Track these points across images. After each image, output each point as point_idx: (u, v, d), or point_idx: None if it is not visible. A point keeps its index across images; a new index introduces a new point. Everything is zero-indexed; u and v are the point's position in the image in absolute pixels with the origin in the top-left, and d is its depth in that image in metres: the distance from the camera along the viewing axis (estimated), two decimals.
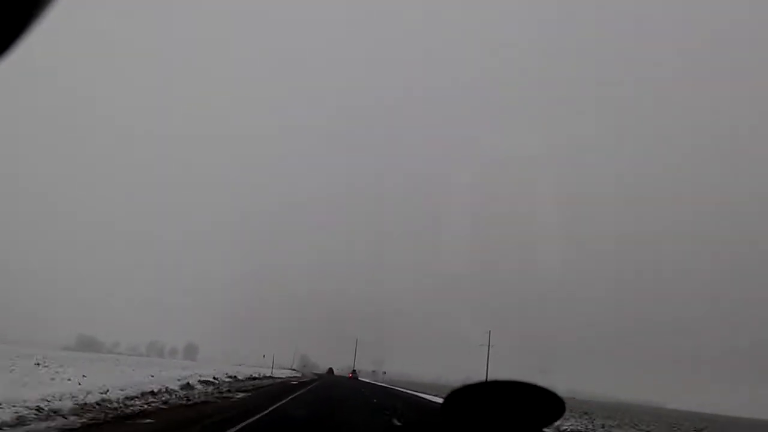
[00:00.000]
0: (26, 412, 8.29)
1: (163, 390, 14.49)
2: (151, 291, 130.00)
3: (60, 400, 9.79)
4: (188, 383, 17.64)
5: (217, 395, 16.85)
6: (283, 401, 17.42)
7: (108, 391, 11.93)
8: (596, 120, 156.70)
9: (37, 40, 1.02)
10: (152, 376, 17.67)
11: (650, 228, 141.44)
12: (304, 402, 18.89)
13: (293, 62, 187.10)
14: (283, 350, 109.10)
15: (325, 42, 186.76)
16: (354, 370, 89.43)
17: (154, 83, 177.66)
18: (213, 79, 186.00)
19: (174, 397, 14.19)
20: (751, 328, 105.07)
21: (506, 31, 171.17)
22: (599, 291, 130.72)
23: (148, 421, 9.51)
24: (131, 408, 10.77)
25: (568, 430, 18.35)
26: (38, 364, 18.77)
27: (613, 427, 21.51)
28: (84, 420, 8.65)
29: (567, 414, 21.63)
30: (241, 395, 18.23)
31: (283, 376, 45.00)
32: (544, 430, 1.66)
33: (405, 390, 47.56)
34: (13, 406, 8.37)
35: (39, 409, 8.66)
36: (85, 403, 10.06)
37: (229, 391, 19.43)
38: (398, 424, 14.53)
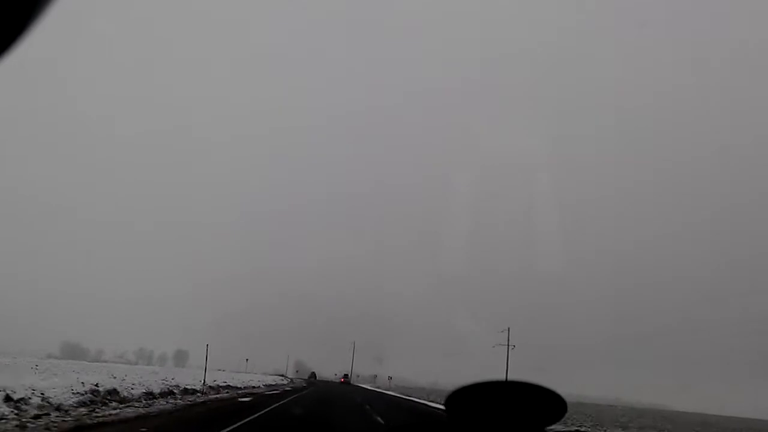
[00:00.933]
0: None
1: None
2: (139, 296, 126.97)
3: None
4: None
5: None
6: None
7: None
8: (596, 120, 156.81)
9: (37, 40, 1.02)
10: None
11: (650, 228, 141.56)
12: None
13: (293, 63, 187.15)
14: (278, 355, 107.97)
15: (325, 43, 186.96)
16: (345, 375, 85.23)
17: (151, 83, 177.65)
18: (212, 79, 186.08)
19: None
20: (756, 326, 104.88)
21: (506, 30, 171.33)
22: (599, 290, 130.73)
23: None
24: None
25: None
26: None
27: None
28: None
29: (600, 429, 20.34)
30: None
31: (259, 384, 35.02)
32: (546, 429, 1.66)
33: (426, 402, 33.03)
34: None
35: None
36: None
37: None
38: None
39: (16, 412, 10.21)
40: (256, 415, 15.02)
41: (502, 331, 58.82)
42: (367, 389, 58.05)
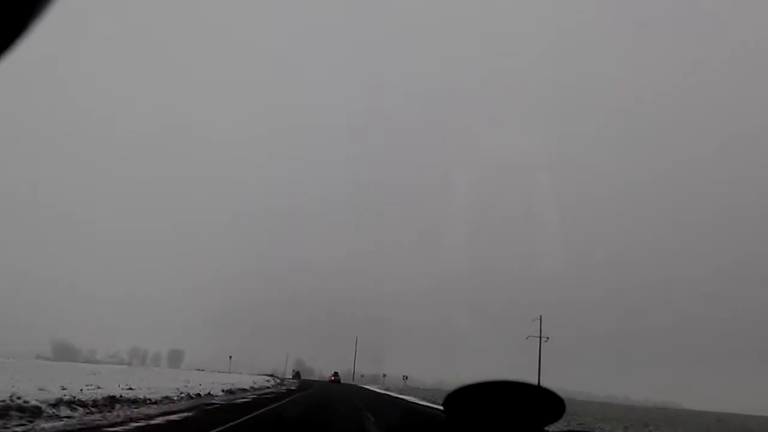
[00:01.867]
0: None
1: None
2: (133, 293, 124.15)
3: None
4: None
5: None
6: None
7: None
8: (596, 120, 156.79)
9: (37, 40, 1.02)
10: None
11: (649, 227, 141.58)
12: None
13: (293, 62, 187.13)
14: (278, 355, 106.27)
15: (325, 43, 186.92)
16: (336, 372, 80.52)
17: (151, 82, 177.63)
18: (212, 79, 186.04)
19: None
20: (758, 324, 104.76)
21: (506, 31, 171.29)
22: (600, 289, 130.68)
23: None
24: None
25: None
26: None
27: None
28: None
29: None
30: None
31: (218, 391, 24.03)
32: (545, 429, 1.66)
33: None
34: None
35: None
36: None
37: None
38: None
39: None
40: (251, 416, 13.06)
41: (534, 320, 55.11)
42: (376, 393, 44.28)
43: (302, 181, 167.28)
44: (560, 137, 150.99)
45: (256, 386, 32.62)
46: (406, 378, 70.01)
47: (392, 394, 46.12)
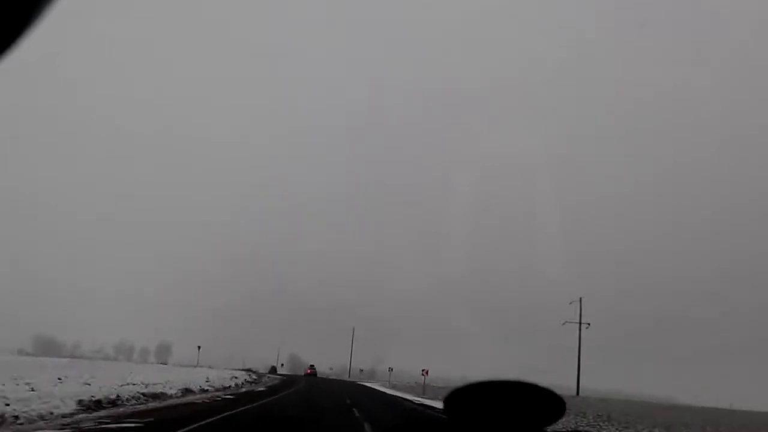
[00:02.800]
0: None
1: None
2: (119, 286, 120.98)
3: None
4: None
5: None
6: None
7: None
8: (596, 120, 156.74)
9: (37, 40, 1.02)
10: None
11: (650, 227, 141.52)
12: None
13: (293, 62, 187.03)
14: (271, 349, 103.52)
15: (324, 43, 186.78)
16: (312, 366, 74.65)
17: (151, 81, 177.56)
18: (211, 79, 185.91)
19: None
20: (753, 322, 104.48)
21: (506, 31, 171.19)
22: (601, 288, 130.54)
23: None
24: None
25: None
26: None
27: None
28: None
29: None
30: None
31: (168, 390, 19.43)
32: (545, 429, 1.66)
33: None
34: None
35: None
36: None
37: None
38: None
39: None
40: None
41: (571, 303, 49.27)
42: (387, 398, 31.84)
43: (301, 179, 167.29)
44: (560, 137, 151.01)
45: (215, 386, 25.53)
46: (426, 373, 47.73)
47: (418, 400, 30.11)
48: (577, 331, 49.46)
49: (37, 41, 1.05)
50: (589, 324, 47.81)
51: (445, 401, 1.63)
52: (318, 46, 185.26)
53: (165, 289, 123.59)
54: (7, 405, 10.78)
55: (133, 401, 15.65)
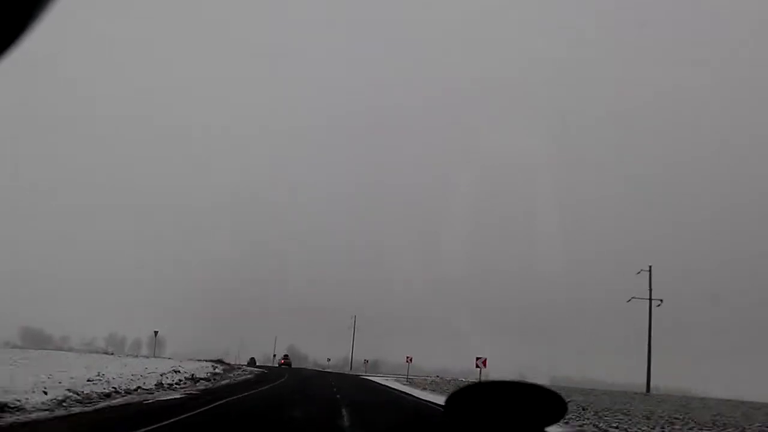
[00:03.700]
0: None
1: None
2: (110, 276, 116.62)
3: None
4: None
5: None
6: None
7: None
8: (596, 121, 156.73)
9: (37, 40, 1.02)
10: None
11: (651, 228, 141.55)
12: None
13: (293, 62, 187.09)
14: (268, 340, 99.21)
15: (324, 42, 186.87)
16: (286, 355, 70.44)
17: (150, 80, 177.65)
18: (211, 78, 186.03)
19: None
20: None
21: (506, 31, 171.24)
22: (601, 287, 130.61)
23: None
24: None
25: None
26: None
27: None
28: None
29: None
30: None
31: (84, 390, 13.91)
32: (546, 430, 1.66)
33: None
34: None
35: None
36: None
37: None
38: None
39: None
40: None
41: (639, 273, 43.28)
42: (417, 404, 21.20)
43: (300, 177, 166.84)
44: (560, 137, 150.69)
45: (150, 384, 17.97)
46: (486, 364, 33.38)
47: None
48: (646, 311, 42.01)
49: (37, 41, 1.05)
50: (661, 301, 40.71)
51: (446, 402, 1.63)
52: (318, 46, 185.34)
53: (161, 282, 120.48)
54: None
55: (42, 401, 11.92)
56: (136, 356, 44.63)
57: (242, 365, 56.81)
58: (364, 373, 64.14)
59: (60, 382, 14.71)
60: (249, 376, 33.78)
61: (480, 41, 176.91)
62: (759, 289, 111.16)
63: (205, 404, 14.61)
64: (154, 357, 46.56)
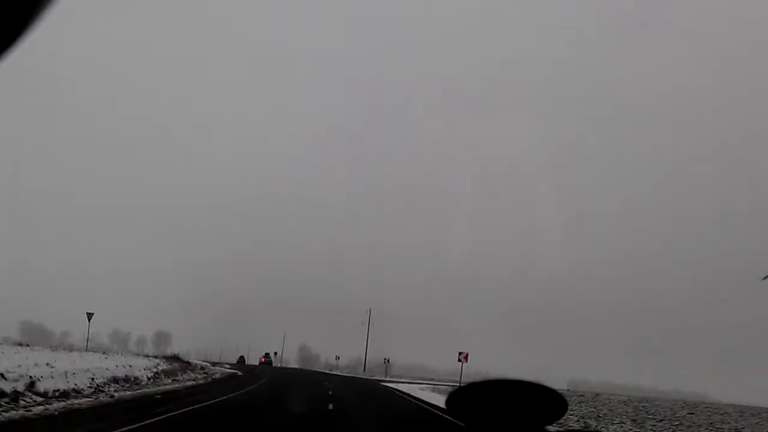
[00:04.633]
0: None
1: None
2: (114, 270, 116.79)
3: None
4: None
5: None
6: None
7: None
8: (596, 121, 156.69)
9: (37, 40, 1.02)
10: None
11: (651, 228, 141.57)
12: None
13: (292, 62, 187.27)
14: (276, 338, 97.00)
15: (324, 42, 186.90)
16: (267, 354, 67.29)
17: (150, 80, 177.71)
18: (210, 78, 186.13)
19: None
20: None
21: (506, 31, 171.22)
22: (602, 287, 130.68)
23: None
24: None
25: None
26: None
27: None
28: None
29: None
30: None
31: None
32: (547, 428, 1.66)
33: None
34: None
35: None
36: None
37: None
38: None
39: None
40: None
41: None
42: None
43: (300, 178, 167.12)
44: (559, 137, 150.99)
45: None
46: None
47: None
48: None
49: (36, 41, 1.05)
50: None
51: (447, 401, 1.63)
52: (318, 46, 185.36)
53: (170, 280, 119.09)
54: None
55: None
56: (70, 351, 32.69)
57: (224, 363, 52.62)
58: (383, 377, 46.85)
59: None
60: (201, 381, 25.41)
61: (480, 41, 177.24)
62: None
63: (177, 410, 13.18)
64: (74, 351, 32.81)
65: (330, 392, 24.06)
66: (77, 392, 15.43)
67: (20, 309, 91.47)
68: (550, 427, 1.65)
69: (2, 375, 13.21)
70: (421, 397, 25.39)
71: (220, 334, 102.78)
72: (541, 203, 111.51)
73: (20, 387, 13.13)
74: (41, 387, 13.94)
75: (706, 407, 28.41)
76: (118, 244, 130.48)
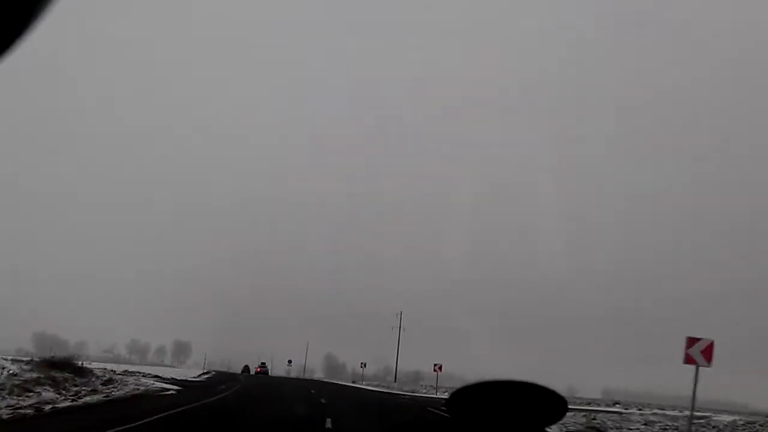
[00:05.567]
0: None
1: None
2: (131, 280, 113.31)
3: None
4: None
5: None
6: None
7: None
8: (596, 121, 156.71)
9: (37, 40, 1.02)
10: None
11: (650, 226, 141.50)
12: None
13: (292, 61, 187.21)
14: (300, 347, 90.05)
15: (324, 43, 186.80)
16: (263, 363, 66.30)
17: (150, 80, 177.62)
18: (208, 78, 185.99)
19: None
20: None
21: (506, 32, 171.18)
22: (602, 286, 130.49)
23: None
24: None
25: None
26: None
27: None
28: None
29: None
30: None
31: None
32: (547, 429, 1.66)
33: None
34: None
35: None
36: None
37: None
38: None
39: None
40: None
41: None
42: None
43: (303, 175, 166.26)
44: (560, 137, 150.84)
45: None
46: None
47: None
48: None
49: (36, 41, 1.05)
50: None
51: (447, 402, 1.63)
52: (318, 46, 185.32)
53: (189, 289, 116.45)
54: None
55: None
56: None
57: (212, 371, 50.54)
58: (418, 390, 35.46)
59: None
60: (61, 405, 13.34)
61: (480, 41, 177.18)
62: None
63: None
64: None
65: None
66: None
67: (33, 320, 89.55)
68: (550, 428, 1.65)
69: None
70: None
71: (241, 344, 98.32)
72: (540, 203, 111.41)
73: None
74: None
75: None
76: (136, 253, 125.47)
